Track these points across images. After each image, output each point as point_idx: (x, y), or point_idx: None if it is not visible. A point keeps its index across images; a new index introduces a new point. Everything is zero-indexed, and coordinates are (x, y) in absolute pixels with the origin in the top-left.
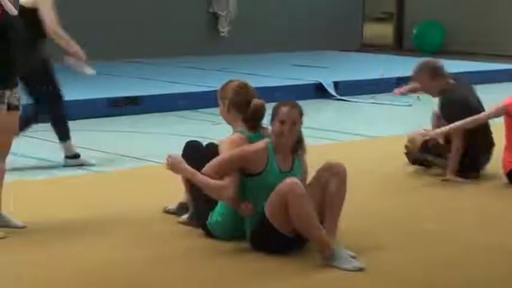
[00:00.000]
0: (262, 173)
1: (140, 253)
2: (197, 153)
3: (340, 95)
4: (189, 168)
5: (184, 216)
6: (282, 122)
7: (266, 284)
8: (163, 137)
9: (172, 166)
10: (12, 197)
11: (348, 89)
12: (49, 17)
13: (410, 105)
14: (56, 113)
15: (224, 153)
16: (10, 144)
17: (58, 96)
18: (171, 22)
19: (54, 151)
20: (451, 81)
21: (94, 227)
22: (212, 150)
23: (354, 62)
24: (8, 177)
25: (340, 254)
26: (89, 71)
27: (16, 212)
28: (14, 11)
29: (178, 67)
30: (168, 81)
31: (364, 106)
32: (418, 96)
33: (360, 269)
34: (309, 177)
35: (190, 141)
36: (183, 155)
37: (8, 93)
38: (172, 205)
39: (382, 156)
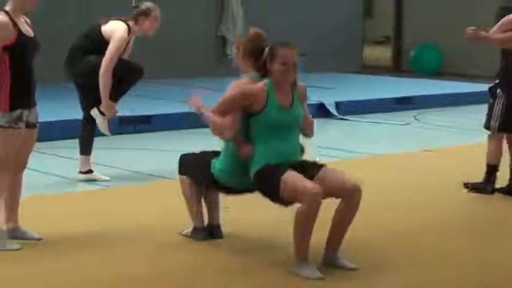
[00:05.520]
0: (263, 111)
1: (146, 266)
2: (194, 162)
3: (342, 115)
4: (202, 106)
5: (188, 230)
6: (285, 63)
7: None
8: (173, 155)
9: (193, 102)
10: (28, 211)
11: (349, 109)
12: (110, 55)
13: (407, 124)
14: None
15: (228, 93)
16: (27, 160)
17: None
18: (181, 45)
19: (70, 168)
20: None
21: (104, 240)
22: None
23: (355, 83)
24: (25, 192)
25: (308, 266)
26: (107, 132)
27: (31, 225)
28: (30, 32)
29: (188, 87)
30: (178, 100)
31: (364, 125)
32: (417, 116)
33: (321, 278)
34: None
35: (182, 154)
36: (183, 169)
37: (26, 112)
38: (188, 230)
39: (386, 172)
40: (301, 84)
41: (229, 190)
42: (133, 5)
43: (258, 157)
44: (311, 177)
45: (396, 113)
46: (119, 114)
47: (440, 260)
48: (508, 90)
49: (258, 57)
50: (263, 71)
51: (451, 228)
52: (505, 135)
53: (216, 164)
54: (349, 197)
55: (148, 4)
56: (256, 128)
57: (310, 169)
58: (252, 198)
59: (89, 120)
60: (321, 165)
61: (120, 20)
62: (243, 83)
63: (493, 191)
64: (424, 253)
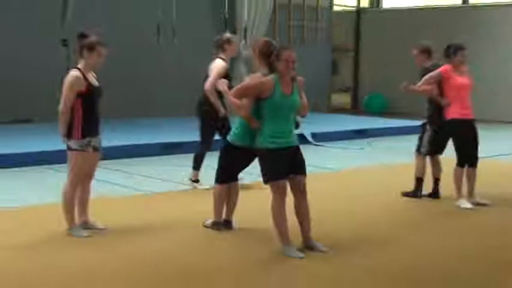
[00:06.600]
0: (270, 97)
1: (185, 251)
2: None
3: (316, 142)
4: (226, 88)
5: (209, 221)
6: (287, 62)
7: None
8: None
9: (220, 84)
10: (95, 208)
11: (322, 138)
12: (211, 79)
13: (362, 148)
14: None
15: (246, 82)
16: (93, 173)
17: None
18: (196, 88)
19: (127, 178)
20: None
21: (154, 231)
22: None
23: (326, 120)
24: (92, 195)
25: (291, 248)
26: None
27: (97, 218)
28: (96, 83)
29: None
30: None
31: (333, 149)
32: (369, 143)
33: (301, 257)
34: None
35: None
36: (216, 177)
37: (93, 139)
38: (209, 220)
39: (348, 181)
40: (300, 78)
41: (247, 155)
42: (216, 38)
43: (264, 133)
44: (295, 172)
45: (355, 140)
46: (159, 141)
47: (387, 248)
48: (433, 126)
49: (268, 57)
50: (271, 68)
51: (396, 222)
52: (428, 157)
53: (233, 131)
54: (295, 195)
55: (226, 34)
56: (265, 109)
57: (299, 167)
58: (255, 207)
59: (205, 146)
60: (304, 173)
61: (214, 58)
62: (257, 76)
63: (421, 196)
64: (377, 240)
